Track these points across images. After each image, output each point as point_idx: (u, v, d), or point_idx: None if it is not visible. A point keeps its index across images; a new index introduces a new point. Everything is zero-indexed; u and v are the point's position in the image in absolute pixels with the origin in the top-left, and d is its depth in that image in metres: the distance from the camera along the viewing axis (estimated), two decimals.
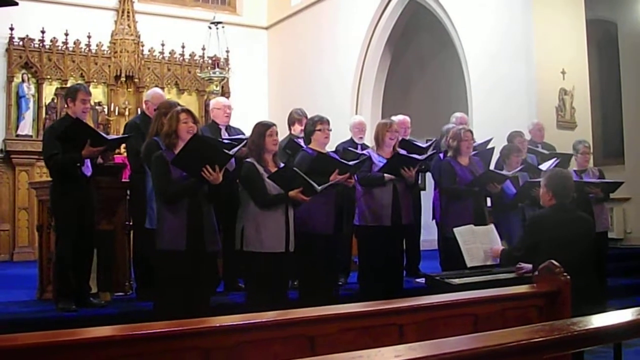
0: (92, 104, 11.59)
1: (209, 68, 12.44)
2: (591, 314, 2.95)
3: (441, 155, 7.63)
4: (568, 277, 3.92)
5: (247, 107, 12.88)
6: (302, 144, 6.92)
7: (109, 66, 13.31)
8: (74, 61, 13.03)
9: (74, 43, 13.03)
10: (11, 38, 12.48)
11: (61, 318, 5.87)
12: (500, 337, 2.45)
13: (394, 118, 7.58)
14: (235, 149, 5.78)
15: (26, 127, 12.40)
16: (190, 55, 14.22)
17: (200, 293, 5.39)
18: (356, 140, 7.84)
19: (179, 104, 5.97)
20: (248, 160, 5.78)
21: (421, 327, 3.46)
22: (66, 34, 12.92)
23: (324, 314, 3.24)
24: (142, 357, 2.77)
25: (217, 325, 3.00)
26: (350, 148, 7.46)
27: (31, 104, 12.47)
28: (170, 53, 14.01)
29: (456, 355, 2.22)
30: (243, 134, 6.96)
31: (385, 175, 6.61)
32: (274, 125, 5.84)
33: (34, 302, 6.67)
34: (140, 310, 6.23)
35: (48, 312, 6.09)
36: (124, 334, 2.79)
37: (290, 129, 7.48)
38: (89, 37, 13.07)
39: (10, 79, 12.42)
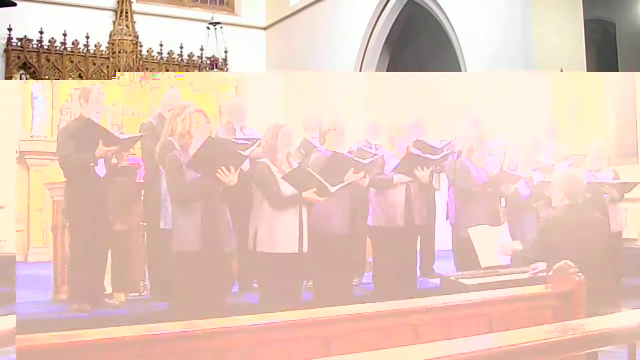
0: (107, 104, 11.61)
1: (208, 69, 12.44)
2: (606, 315, 2.95)
3: (455, 155, 7.60)
4: (582, 277, 3.90)
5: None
6: (317, 144, 6.91)
7: (108, 67, 13.34)
8: (72, 62, 13.09)
9: (73, 44, 13.08)
10: (10, 39, 12.54)
11: (76, 319, 5.89)
12: (515, 338, 2.44)
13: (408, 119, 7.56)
14: (250, 149, 5.77)
15: (41, 127, 12.41)
16: (188, 55, 14.21)
17: (214, 294, 5.38)
18: (370, 141, 7.82)
19: (193, 105, 5.97)
20: (262, 160, 5.78)
21: (436, 327, 3.45)
22: (65, 35, 12.98)
23: (339, 315, 3.24)
24: (156, 357, 2.78)
25: (232, 326, 3.01)
26: (365, 148, 7.44)
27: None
28: (168, 54, 14.02)
29: (471, 355, 2.22)
30: (258, 134, 6.96)
31: (398, 176, 6.60)
32: (287, 125, 5.84)
33: (49, 302, 6.70)
34: (154, 311, 6.24)
35: (63, 313, 6.11)
36: (138, 334, 2.80)
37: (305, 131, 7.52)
38: (87, 37, 13.13)
39: (8, 80, 12.42)
